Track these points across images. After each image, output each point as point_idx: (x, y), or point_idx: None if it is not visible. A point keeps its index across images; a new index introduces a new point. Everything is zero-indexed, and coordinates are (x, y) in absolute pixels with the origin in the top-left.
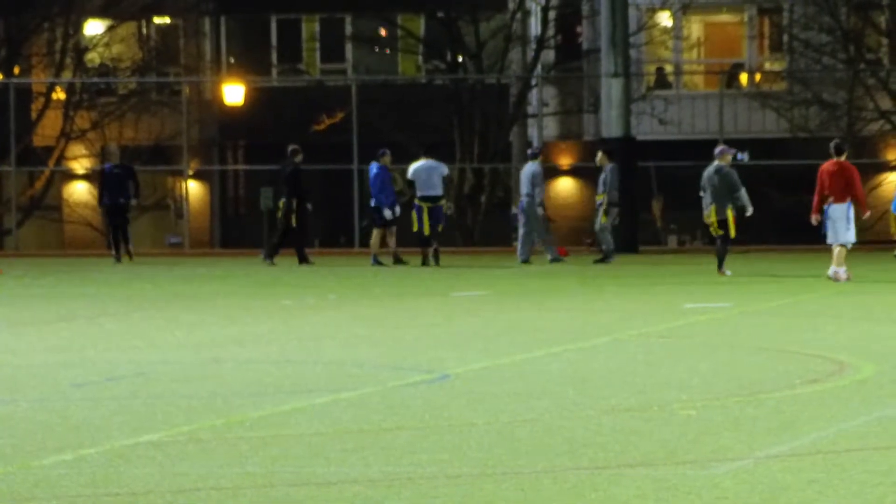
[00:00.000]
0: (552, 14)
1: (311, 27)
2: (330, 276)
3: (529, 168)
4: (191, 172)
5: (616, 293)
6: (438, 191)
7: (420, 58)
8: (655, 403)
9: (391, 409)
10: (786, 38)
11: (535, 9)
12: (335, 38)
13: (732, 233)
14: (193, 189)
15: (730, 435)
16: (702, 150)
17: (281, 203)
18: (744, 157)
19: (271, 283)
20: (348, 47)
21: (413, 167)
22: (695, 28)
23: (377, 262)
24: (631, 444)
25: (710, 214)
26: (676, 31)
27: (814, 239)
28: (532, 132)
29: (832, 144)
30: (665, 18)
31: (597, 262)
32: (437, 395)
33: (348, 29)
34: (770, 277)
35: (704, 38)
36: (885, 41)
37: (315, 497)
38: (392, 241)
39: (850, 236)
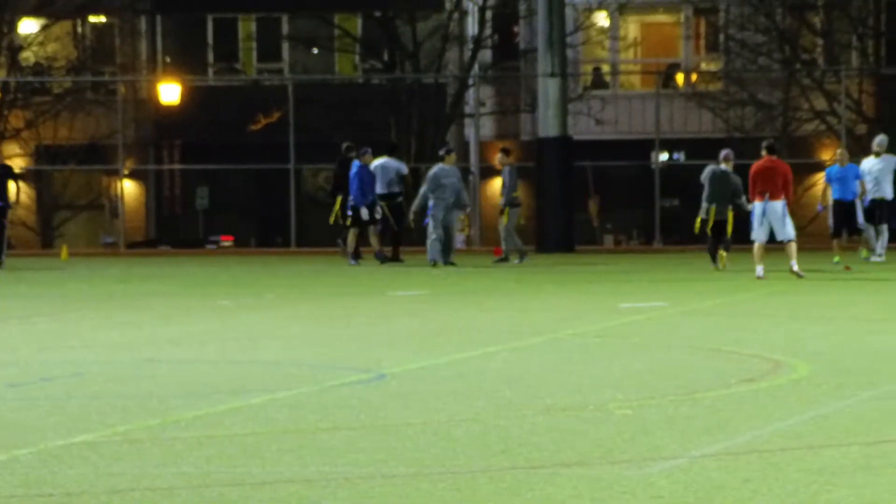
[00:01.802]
0: (489, 14)
1: (247, 26)
2: (267, 276)
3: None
4: (126, 172)
5: (553, 293)
6: (396, 188)
7: (357, 57)
8: (591, 403)
9: (327, 409)
10: (722, 38)
11: (472, 9)
12: (272, 38)
13: (729, 233)
14: (129, 188)
15: (665, 434)
16: (638, 149)
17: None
18: (679, 156)
19: (208, 283)
20: (285, 47)
21: (371, 165)
22: (631, 28)
23: (356, 261)
24: (566, 444)
25: (709, 213)
26: (613, 32)
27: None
28: (469, 132)
29: (765, 143)
30: (602, 19)
31: (497, 261)
32: (374, 394)
33: (285, 28)
34: (706, 277)
35: (641, 39)
36: (819, 42)
37: (250, 497)
38: (374, 240)
39: (792, 231)
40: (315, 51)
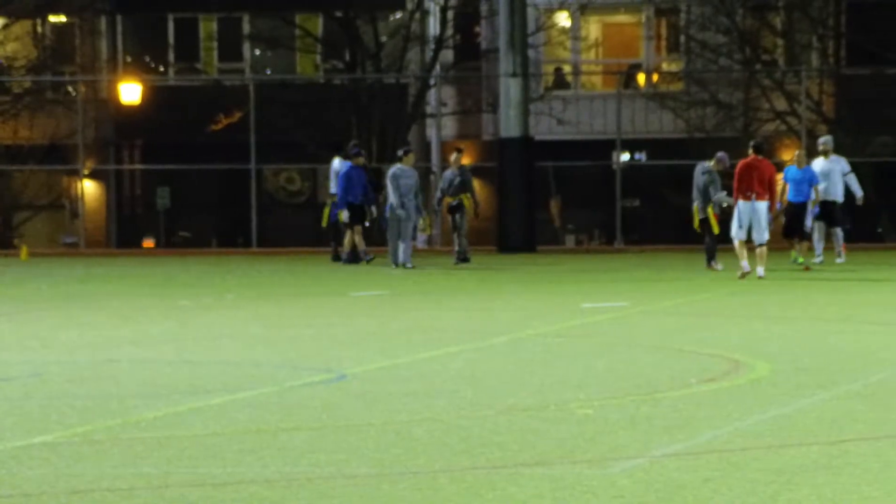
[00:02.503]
0: (451, 14)
1: (208, 26)
2: (228, 276)
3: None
4: (86, 172)
5: (514, 293)
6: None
7: (318, 57)
8: (553, 403)
9: (288, 410)
10: (683, 38)
11: (433, 9)
12: (233, 38)
13: (716, 230)
14: (89, 188)
15: (626, 434)
16: (600, 150)
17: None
18: (641, 157)
19: (168, 283)
20: (246, 46)
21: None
22: (593, 28)
23: (348, 261)
24: (528, 444)
25: (694, 212)
26: (574, 32)
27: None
28: (430, 132)
29: (753, 143)
30: (563, 19)
31: (462, 262)
32: (335, 395)
33: (246, 28)
34: (667, 277)
35: (602, 39)
36: (780, 42)
37: (211, 497)
38: (357, 239)
39: (767, 235)
40: (257, 51)
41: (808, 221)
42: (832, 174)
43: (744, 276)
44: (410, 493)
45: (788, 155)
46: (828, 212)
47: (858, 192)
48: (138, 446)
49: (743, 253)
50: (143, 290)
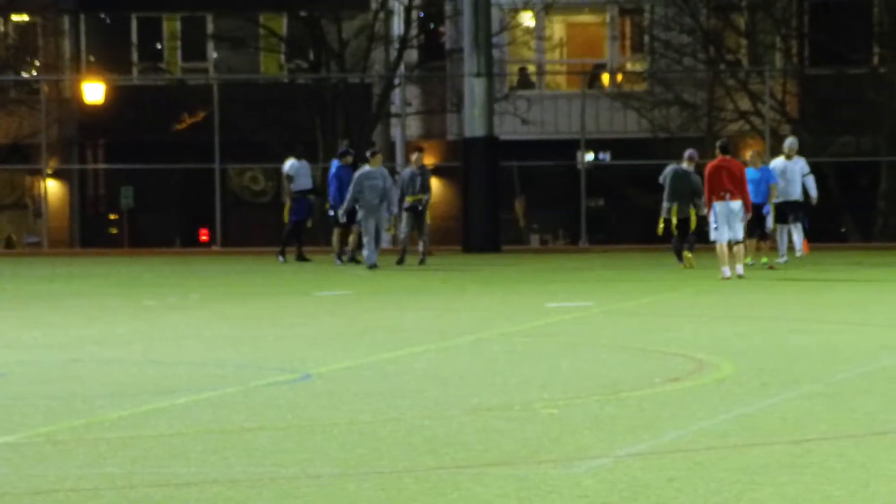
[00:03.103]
0: (415, 14)
1: (172, 26)
2: (192, 276)
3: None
4: (50, 171)
5: (479, 293)
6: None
7: (282, 57)
8: (517, 402)
9: (253, 410)
10: (647, 38)
11: (398, 8)
12: (197, 37)
13: (692, 228)
14: (52, 188)
15: (591, 434)
16: (564, 149)
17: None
18: (605, 156)
19: (133, 283)
20: (210, 46)
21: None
22: (557, 28)
23: (340, 261)
24: (493, 444)
25: (671, 212)
26: (539, 32)
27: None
28: (395, 132)
29: (719, 143)
30: (528, 19)
31: (421, 263)
32: (299, 394)
33: (210, 28)
34: (632, 276)
35: (566, 39)
36: (744, 42)
37: (175, 498)
38: (352, 238)
39: (742, 232)
40: (216, 54)
41: (769, 222)
42: (791, 174)
43: (725, 279)
44: (375, 492)
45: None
46: (787, 211)
47: (813, 193)
48: (102, 446)
49: (725, 257)
50: (107, 289)
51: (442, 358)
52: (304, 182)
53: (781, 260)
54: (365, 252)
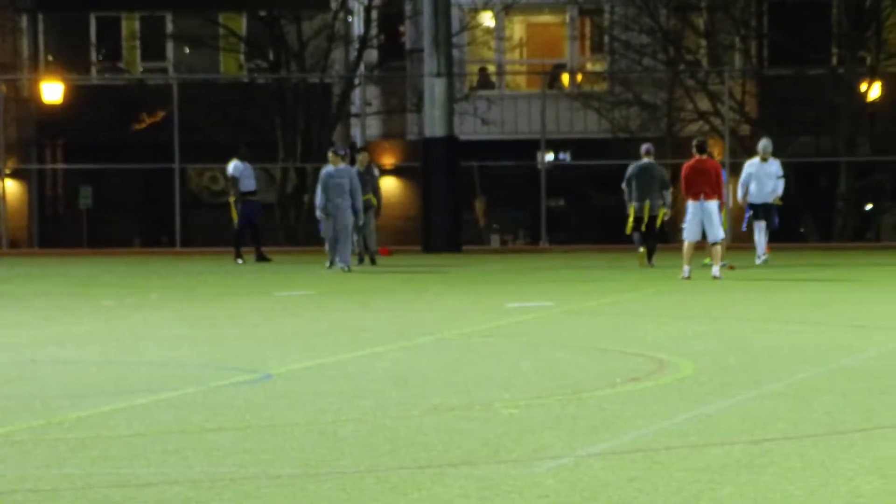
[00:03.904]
0: (375, 14)
1: (131, 25)
2: (152, 276)
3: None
4: (8, 171)
5: (439, 293)
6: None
7: (242, 57)
8: (478, 402)
9: (213, 410)
10: (607, 39)
11: (357, 8)
12: (156, 37)
13: (658, 224)
14: (11, 188)
15: (552, 433)
16: (524, 150)
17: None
18: (565, 157)
19: (91, 283)
20: (169, 46)
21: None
22: (517, 28)
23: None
24: (454, 444)
25: (641, 209)
26: (499, 32)
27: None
28: (355, 132)
29: (695, 142)
30: (487, 19)
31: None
32: (260, 395)
33: (169, 27)
34: (592, 276)
35: (526, 39)
36: (703, 43)
37: (135, 498)
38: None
39: (721, 233)
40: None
41: (744, 224)
42: (765, 176)
43: (685, 279)
44: (336, 493)
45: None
46: (763, 212)
47: (779, 192)
48: (61, 447)
49: (689, 257)
50: (66, 290)
51: (403, 358)
52: (248, 184)
53: (760, 259)
54: (336, 256)
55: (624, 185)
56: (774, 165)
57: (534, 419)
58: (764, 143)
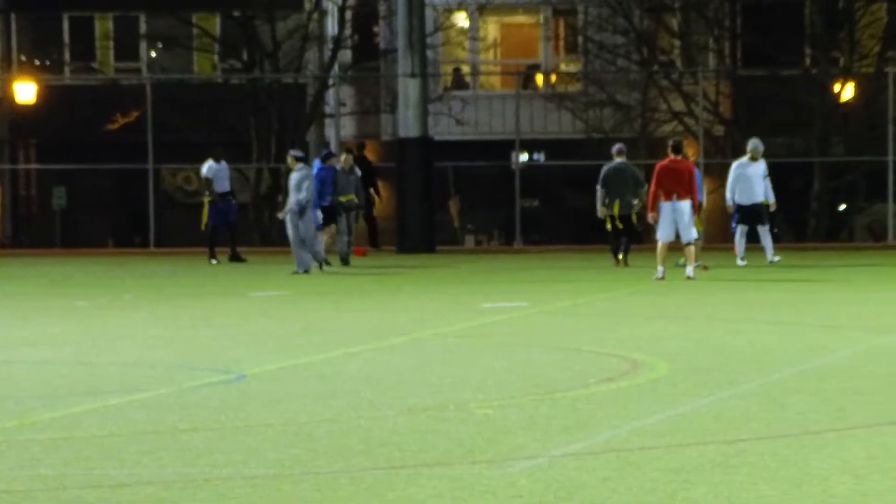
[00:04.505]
0: (349, 14)
1: (104, 25)
2: (125, 277)
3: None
4: None
5: (413, 293)
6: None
7: (216, 57)
8: (452, 403)
9: (187, 410)
10: (581, 39)
11: (331, 8)
12: (129, 37)
13: (633, 220)
14: None
15: (525, 434)
16: (498, 150)
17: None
18: (539, 157)
19: (65, 284)
20: (143, 46)
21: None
22: (491, 29)
23: (329, 265)
24: (428, 444)
25: (614, 209)
26: (473, 32)
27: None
28: (329, 132)
29: (671, 143)
30: (462, 19)
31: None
32: (234, 395)
33: (143, 27)
34: (566, 277)
35: (501, 39)
36: (677, 43)
37: (108, 499)
38: (327, 240)
39: (695, 233)
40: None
41: (733, 225)
42: (753, 177)
43: (659, 280)
44: (310, 493)
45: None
46: (752, 213)
47: (771, 199)
48: (35, 448)
49: (663, 257)
50: (39, 290)
51: (377, 358)
52: (223, 184)
53: (741, 263)
54: (304, 256)
55: (598, 186)
56: (762, 166)
57: (508, 419)
58: (754, 143)
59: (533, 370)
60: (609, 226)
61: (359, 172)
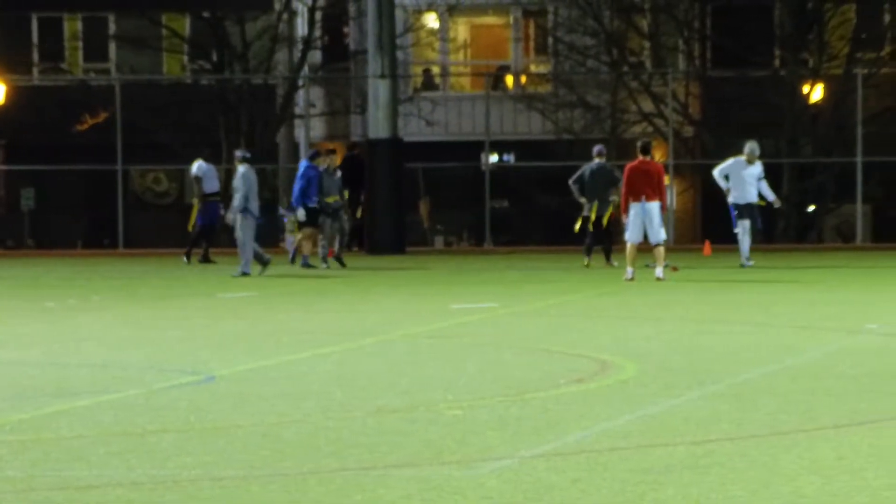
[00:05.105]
0: (319, 15)
1: (73, 26)
2: (94, 278)
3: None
4: None
5: (383, 294)
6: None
7: (185, 58)
8: (422, 404)
9: (155, 412)
10: (550, 40)
11: (301, 9)
12: (98, 38)
13: (605, 225)
14: None
15: (495, 435)
16: (469, 151)
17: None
18: (509, 158)
19: (33, 285)
20: (112, 46)
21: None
22: (461, 30)
23: (326, 264)
24: (397, 445)
25: (591, 210)
26: (443, 33)
27: (578, 239)
28: (299, 133)
29: (640, 144)
30: (431, 20)
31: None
32: (203, 396)
33: (112, 28)
34: (536, 278)
35: (470, 40)
36: (647, 45)
37: (76, 501)
38: (307, 244)
39: (664, 234)
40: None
41: (734, 223)
42: (748, 178)
43: (628, 280)
44: (279, 494)
45: (657, 156)
46: (747, 212)
47: (770, 197)
48: (2, 449)
49: (633, 258)
50: (8, 291)
51: (347, 359)
52: (213, 185)
53: (748, 263)
54: (250, 258)
55: (571, 182)
56: (759, 168)
57: (477, 420)
58: (751, 146)
59: (503, 371)
60: (581, 225)
61: (339, 174)
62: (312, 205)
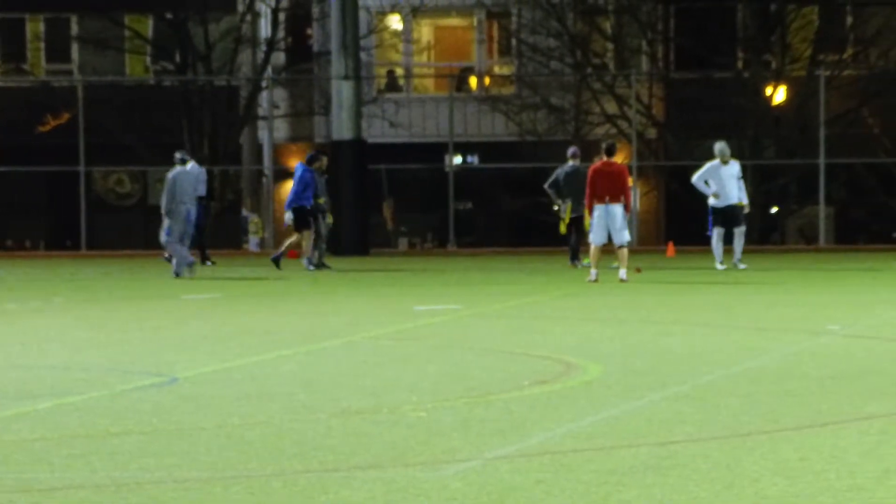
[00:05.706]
0: (282, 16)
1: (35, 27)
2: (55, 279)
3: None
4: None
5: (347, 296)
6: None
7: (148, 59)
8: (385, 405)
9: (118, 414)
10: (514, 42)
11: (264, 11)
12: (61, 39)
13: (587, 226)
14: None
15: (459, 436)
16: (432, 152)
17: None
18: (473, 159)
19: None
20: (74, 47)
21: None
22: (425, 31)
23: (310, 265)
24: (361, 447)
25: (567, 211)
26: (406, 35)
27: (542, 241)
28: (263, 134)
29: (605, 145)
30: (395, 22)
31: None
32: (166, 398)
33: (74, 29)
34: (500, 279)
35: (434, 42)
36: (610, 46)
37: (38, 503)
38: (305, 245)
39: (627, 236)
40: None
41: (709, 227)
42: (727, 178)
43: (592, 282)
44: (243, 496)
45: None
46: (729, 215)
47: (744, 199)
48: None
49: (597, 260)
50: None
51: (310, 361)
52: (200, 188)
53: (720, 266)
54: (181, 258)
55: (547, 186)
56: (736, 167)
57: (441, 422)
58: (720, 147)
59: (466, 372)
60: (564, 229)
61: (326, 176)
62: (309, 207)
